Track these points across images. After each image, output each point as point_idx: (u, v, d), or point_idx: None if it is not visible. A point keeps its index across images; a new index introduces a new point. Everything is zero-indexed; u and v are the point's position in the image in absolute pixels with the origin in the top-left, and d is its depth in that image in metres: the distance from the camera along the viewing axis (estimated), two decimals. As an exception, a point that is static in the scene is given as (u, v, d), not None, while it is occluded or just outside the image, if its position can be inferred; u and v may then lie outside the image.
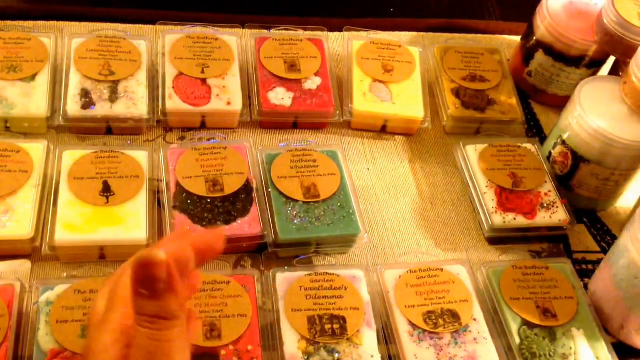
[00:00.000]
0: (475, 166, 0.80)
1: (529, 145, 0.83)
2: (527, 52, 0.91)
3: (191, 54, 0.82)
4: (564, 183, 0.80)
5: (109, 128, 0.77)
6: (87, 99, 0.76)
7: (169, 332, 0.39)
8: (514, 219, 0.76)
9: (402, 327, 0.65)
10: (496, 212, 0.76)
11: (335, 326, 0.63)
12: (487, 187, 0.78)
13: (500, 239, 0.77)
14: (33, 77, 0.76)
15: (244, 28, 0.88)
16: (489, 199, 0.77)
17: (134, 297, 0.39)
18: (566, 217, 0.77)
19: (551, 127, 0.84)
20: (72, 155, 0.71)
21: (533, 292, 0.69)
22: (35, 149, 0.71)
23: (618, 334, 0.71)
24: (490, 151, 0.81)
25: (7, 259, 0.66)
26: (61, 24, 0.87)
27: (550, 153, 0.82)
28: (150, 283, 0.39)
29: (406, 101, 0.84)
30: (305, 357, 0.61)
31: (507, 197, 0.77)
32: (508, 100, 0.87)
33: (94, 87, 0.77)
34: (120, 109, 0.76)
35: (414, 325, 0.65)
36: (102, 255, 0.67)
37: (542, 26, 0.87)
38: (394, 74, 0.86)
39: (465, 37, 0.98)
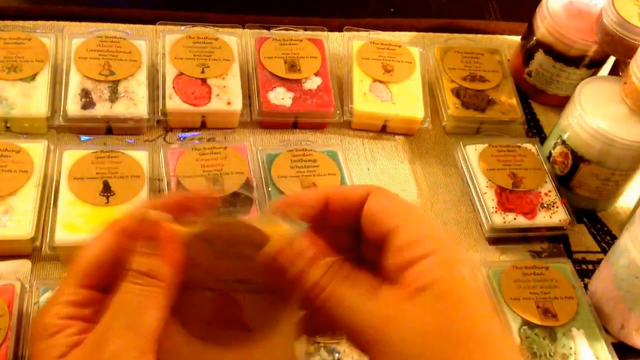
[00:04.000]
0: (475, 166, 0.80)
1: (529, 145, 0.83)
2: (527, 52, 0.91)
3: (191, 54, 0.82)
4: (564, 183, 0.80)
5: (109, 128, 0.77)
6: (87, 99, 0.76)
7: (153, 289, 0.38)
8: (514, 219, 0.76)
9: (402, 327, 0.65)
10: (496, 212, 0.76)
11: (336, 326, 0.63)
12: (487, 187, 0.78)
13: (500, 239, 0.77)
14: (33, 77, 0.76)
15: (244, 28, 0.88)
16: (489, 199, 0.77)
17: (134, 254, 0.39)
18: (566, 217, 0.77)
19: (551, 127, 0.84)
20: (72, 155, 0.71)
21: (533, 292, 0.69)
22: (36, 149, 0.71)
23: (618, 334, 0.71)
24: (490, 151, 0.81)
25: (7, 259, 0.66)
26: (61, 23, 0.87)
27: (550, 153, 0.82)
28: (154, 241, 0.38)
29: (406, 101, 0.84)
30: (306, 357, 0.61)
31: (507, 197, 0.77)
32: (508, 100, 0.87)
33: (94, 87, 0.77)
34: (120, 109, 0.76)
35: (414, 325, 0.65)
36: (102, 255, 0.67)
37: (542, 26, 0.87)
38: (394, 74, 0.86)
39: (465, 37, 0.98)
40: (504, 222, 0.76)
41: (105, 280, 0.40)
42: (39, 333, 0.39)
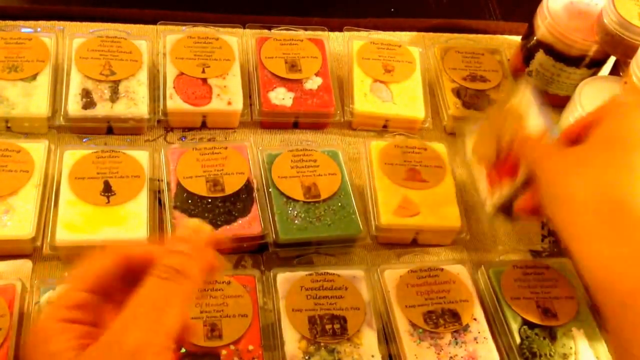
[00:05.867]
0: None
1: (529, 145, 0.83)
2: (527, 52, 0.91)
3: (192, 53, 0.82)
4: (564, 183, 0.80)
5: (110, 128, 0.77)
6: (88, 99, 0.76)
7: (181, 287, 0.40)
8: (515, 218, 0.76)
9: (403, 327, 0.65)
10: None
11: (336, 326, 0.63)
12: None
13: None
14: (34, 77, 0.77)
15: (244, 28, 0.88)
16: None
17: (166, 252, 0.41)
18: (566, 217, 0.77)
19: (551, 127, 0.84)
20: (72, 155, 0.71)
21: (533, 292, 0.69)
22: (36, 149, 0.71)
23: (618, 334, 0.71)
24: (491, 151, 0.81)
25: (8, 258, 0.66)
26: (62, 23, 0.87)
27: (550, 153, 0.82)
28: (190, 243, 0.41)
29: (407, 101, 0.84)
30: (306, 357, 0.61)
31: (508, 197, 0.77)
32: (508, 100, 0.87)
33: (94, 87, 0.77)
34: (121, 108, 0.76)
35: (414, 325, 0.65)
36: (103, 255, 0.67)
37: (543, 26, 0.87)
38: (394, 74, 0.86)
39: (465, 37, 0.98)
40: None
41: (103, 289, 0.42)
42: (34, 336, 0.39)
